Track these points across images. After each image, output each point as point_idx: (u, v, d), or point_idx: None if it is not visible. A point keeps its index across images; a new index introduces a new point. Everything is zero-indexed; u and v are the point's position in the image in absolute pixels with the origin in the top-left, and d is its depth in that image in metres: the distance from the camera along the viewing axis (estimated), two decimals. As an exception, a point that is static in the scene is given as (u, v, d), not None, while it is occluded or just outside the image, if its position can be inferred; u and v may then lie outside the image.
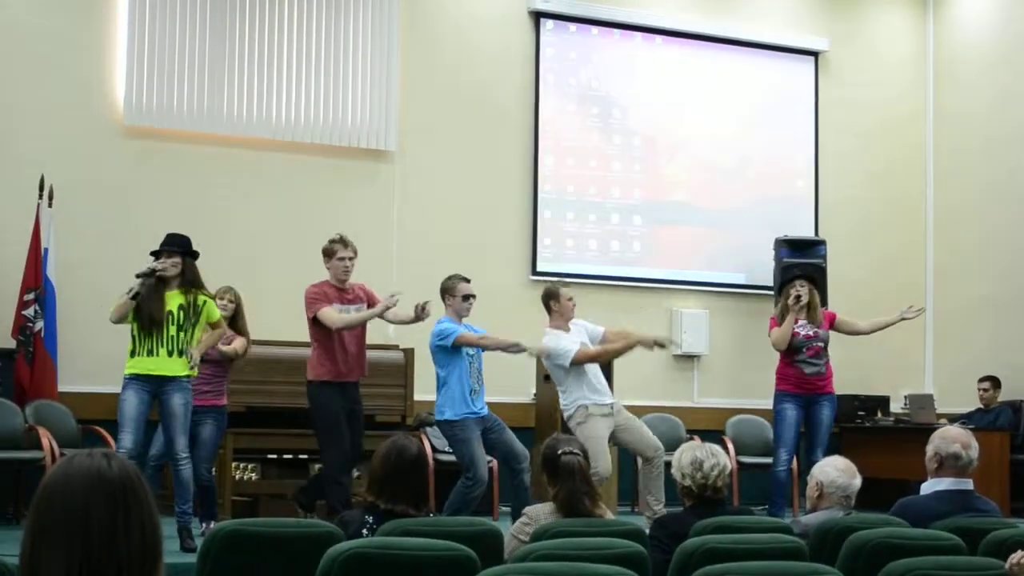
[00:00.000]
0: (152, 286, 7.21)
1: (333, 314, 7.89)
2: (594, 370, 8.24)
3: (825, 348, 9.15)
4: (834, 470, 5.02)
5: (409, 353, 9.68)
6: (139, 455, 7.09)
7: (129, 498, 2.03)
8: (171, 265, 7.26)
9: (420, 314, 8.02)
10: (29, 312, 9.06)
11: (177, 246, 7.34)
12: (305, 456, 9.13)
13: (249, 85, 10.22)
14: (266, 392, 9.19)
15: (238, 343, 8.16)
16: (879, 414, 11.65)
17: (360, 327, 8.08)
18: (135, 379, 7.23)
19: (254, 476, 9.19)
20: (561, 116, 11.43)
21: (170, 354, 7.23)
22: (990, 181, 12.14)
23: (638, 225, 11.66)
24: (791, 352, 9.10)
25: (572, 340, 8.16)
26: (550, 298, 8.31)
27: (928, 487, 5.11)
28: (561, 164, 11.41)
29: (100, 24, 9.89)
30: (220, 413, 8.13)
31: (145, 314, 7.18)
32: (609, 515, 4.96)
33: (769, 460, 9.47)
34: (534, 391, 10.46)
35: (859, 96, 12.55)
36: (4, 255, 9.31)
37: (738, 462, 10.19)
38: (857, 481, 5.04)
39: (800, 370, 9.09)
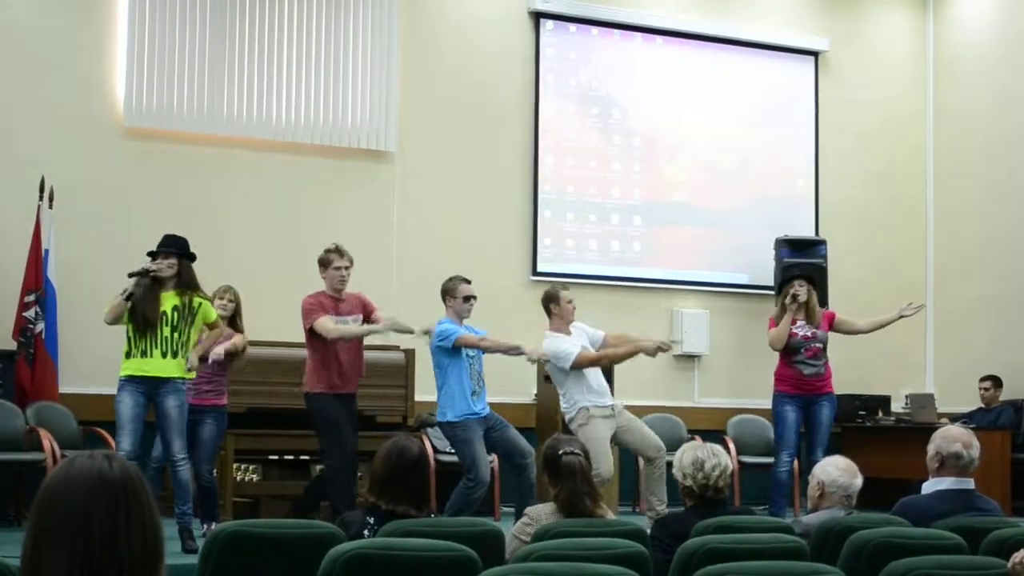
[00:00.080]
0: (147, 287, 7.21)
1: (329, 324, 7.89)
2: (594, 372, 8.23)
3: (824, 349, 9.13)
4: (835, 470, 5.02)
5: (410, 354, 9.68)
6: (139, 456, 7.08)
7: (130, 499, 2.03)
8: (167, 266, 7.25)
9: (418, 334, 8.07)
10: (30, 314, 9.06)
11: (174, 247, 7.34)
12: (306, 457, 9.12)
13: (249, 85, 10.23)
14: (266, 393, 9.19)
15: (238, 339, 8.16)
16: (880, 414, 11.65)
17: (357, 339, 8.09)
18: (130, 381, 7.24)
19: (255, 477, 9.18)
20: (561, 116, 11.43)
21: (164, 355, 7.24)
22: (990, 181, 12.14)
23: (638, 225, 11.66)
24: (789, 353, 9.08)
25: (573, 343, 8.16)
26: (550, 301, 8.31)
27: (929, 486, 5.11)
28: (561, 164, 11.41)
29: (100, 24, 9.89)
30: (220, 412, 8.13)
31: (140, 315, 7.18)
32: (610, 515, 4.96)
33: (770, 460, 9.46)
34: (535, 392, 10.46)
35: (859, 96, 12.55)
36: (4, 256, 9.31)
37: (739, 462, 10.19)
38: (858, 481, 5.04)
39: (799, 371, 9.07)
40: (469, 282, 8.16)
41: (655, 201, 11.73)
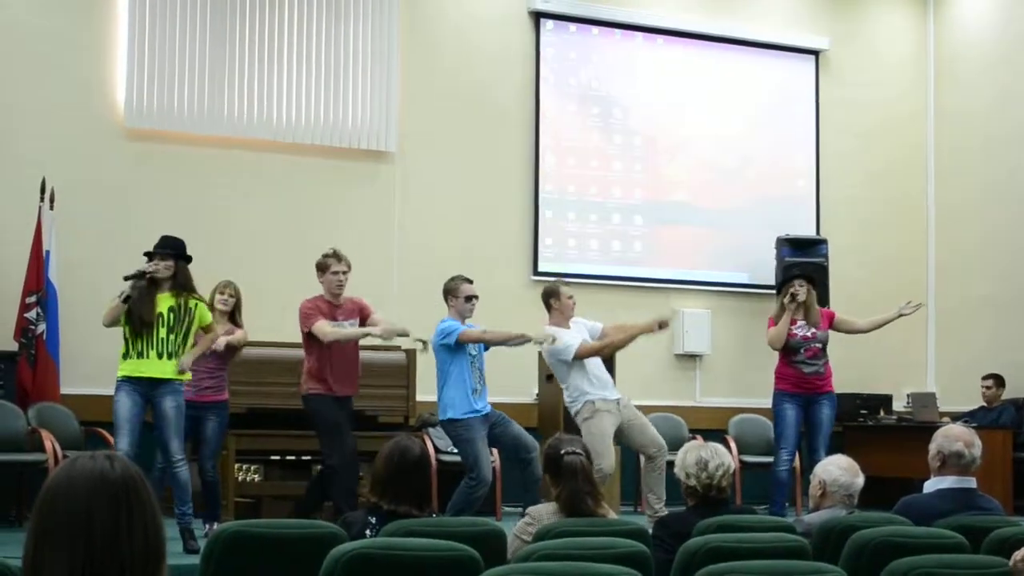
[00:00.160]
0: (144, 288, 7.23)
1: (326, 328, 7.92)
2: (596, 365, 8.23)
3: (823, 349, 9.13)
4: (837, 469, 5.02)
5: (411, 354, 9.68)
6: (136, 456, 7.08)
7: (132, 499, 2.03)
8: (163, 267, 7.27)
9: (414, 343, 8.08)
10: (31, 315, 9.06)
11: (171, 249, 7.35)
12: (308, 457, 9.12)
13: (249, 86, 10.23)
14: (267, 393, 9.19)
15: (240, 333, 8.17)
16: (881, 413, 11.65)
17: (354, 343, 8.10)
18: (127, 381, 7.25)
19: (257, 477, 9.19)
20: (562, 116, 11.43)
21: (160, 356, 7.25)
22: (991, 180, 12.15)
23: (639, 225, 11.66)
24: (789, 352, 9.08)
25: (573, 336, 8.17)
26: (550, 296, 8.32)
27: (931, 485, 5.11)
28: (562, 164, 11.41)
29: (100, 25, 9.90)
30: (222, 408, 8.15)
31: (136, 316, 7.20)
32: (612, 515, 4.96)
33: (771, 459, 9.46)
34: (536, 391, 10.47)
35: (860, 95, 12.55)
36: (5, 257, 9.32)
37: (740, 461, 10.18)
38: (860, 480, 5.04)
39: (799, 370, 9.07)
40: (471, 282, 8.18)
41: (656, 201, 11.73)
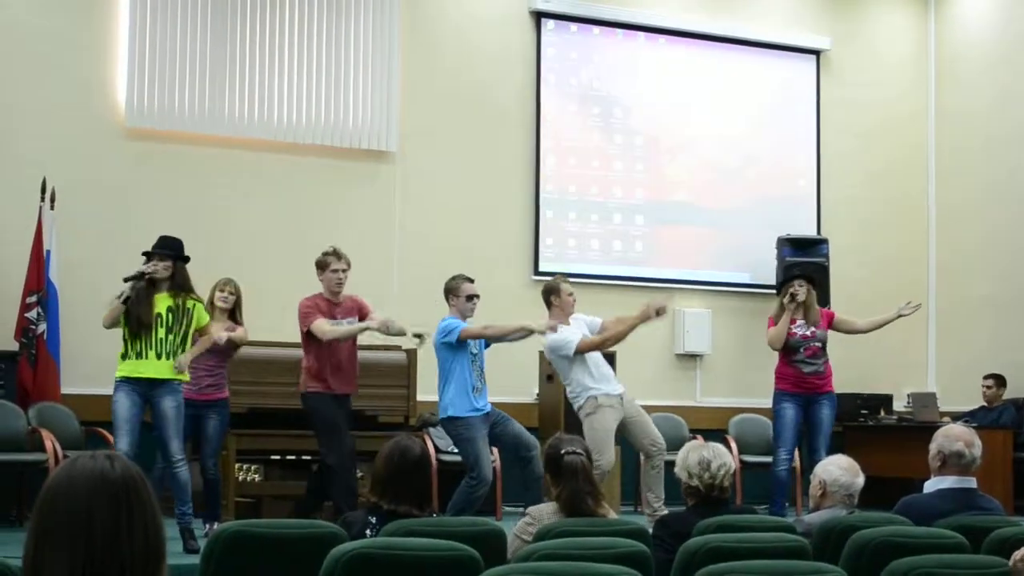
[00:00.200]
0: (142, 289, 7.24)
1: (326, 326, 7.93)
2: (596, 360, 8.23)
3: (823, 348, 9.13)
4: (837, 469, 5.02)
5: (412, 354, 9.68)
6: (136, 456, 7.08)
7: (132, 499, 2.03)
8: (162, 268, 7.28)
9: (413, 337, 8.08)
10: (32, 314, 9.06)
11: (169, 249, 7.36)
12: (308, 457, 9.12)
13: (250, 86, 10.23)
14: (267, 393, 9.19)
15: (241, 331, 8.18)
16: (882, 412, 11.65)
17: (351, 341, 8.11)
18: (125, 381, 7.26)
19: (257, 477, 9.19)
20: (562, 116, 11.43)
21: (159, 357, 7.26)
22: (991, 180, 12.15)
23: (640, 225, 11.67)
24: (789, 352, 9.09)
25: (573, 331, 8.18)
26: (550, 293, 8.33)
27: (931, 485, 5.10)
28: (563, 164, 11.41)
29: (101, 25, 9.90)
30: (223, 406, 8.17)
31: (133, 317, 7.22)
32: (612, 515, 4.96)
33: (771, 459, 9.46)
34: (536, 391, 10.47)
35: (861, 95, 12.55)
36: (6, 257, 9.32)
37: (741, 461, 10.19)
38: (860, 480, 5.04)
39: (798, 369, 9.08)
40: (472, 281, 8.19)
41: (657, 201, 11.73)
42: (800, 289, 9.07)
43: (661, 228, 11.74)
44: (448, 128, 10.92)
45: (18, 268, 9.16)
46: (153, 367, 7.25)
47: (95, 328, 7.49)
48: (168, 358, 7.28)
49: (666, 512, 7.16)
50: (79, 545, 1.98)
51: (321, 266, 8.15)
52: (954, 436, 5.07)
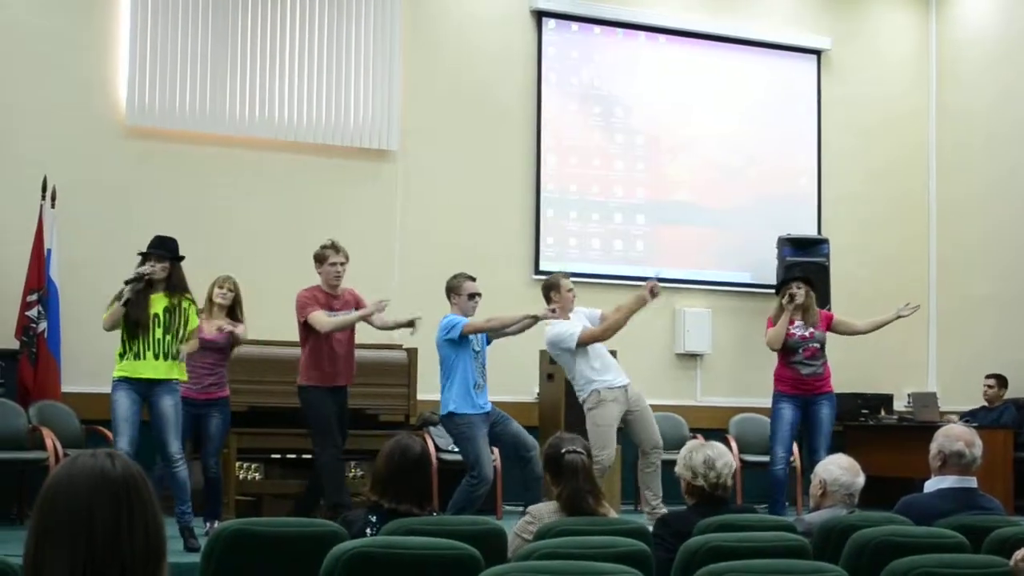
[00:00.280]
0: (140, 290, 7.26)
1: (323, 317, 7.97)
2: (599, 351, 8.23)
3: (822, 349, 9.13)
4: (837, 468, 5.02)
5: (412, 353, 9.68)
6: (136, 455, 7.08)
7: (133, 498, 2.03)
8: (160, 269, 7.30)
9: (407, 325, 8.08)
10: (32, 313, 9.07)
11: (165, 250, 7.38)
12: (309, 456, 9.12)
13: (251, 85, 10.23)
14: (268, 392, 9.18)
15: (242, 328, 8.18)
16: (882, 412, 11.64)
17: (349, 331, 8.13)
18: (124, 381, 7.27)
19: (258, 476, 9.18)
20: (563, 115, 11.43)
21: (157, 357, 7.28)
22: (993, 178, 12.15)
23: (641, 224, 11.67)
24: (787, 353, 9.10)
25: (573, 324, 8.19)
26: (550, 289, 8.34)
27: (932, 485, 5.10)
28: (564, 163, 11.41)
29: (101, 24, 9.90)
30: (225, 404, 8.18)
31: (131, 318, 7.23)
32: (613, 514, 4.96)
33: (768, 459, 9.46)
34: (537, 390, 10.47)
35: (862, 94, 12.55)
36: (7, 256, 9.32)
37: (741, 461, 10.18)
38: (860, 479, 5.04)
39: (797, 371, 9.08)
40: (474, 279, 8.20)
41: (658, 200, 11.73)
42: (799, 291, 9.07)
43: (662, 227, 11.74)
44: (449, 127, 10.92)
45: (19, 267, 9.16)
46: (152, 367, 7.26)
47: (96, 327, 7.49)
48: (166, 358, 7.29)
49: (665, 510, 7.17)
50: (80, 543, 1.98)
51: (319, 259, 8.18)
52: (955, 436, 5.07)
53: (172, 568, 2.17)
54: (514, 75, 11.25)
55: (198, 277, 7.97)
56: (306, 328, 8.04)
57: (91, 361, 9.12)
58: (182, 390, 7.50)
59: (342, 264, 8.14)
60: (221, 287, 8.18)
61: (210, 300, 8.10)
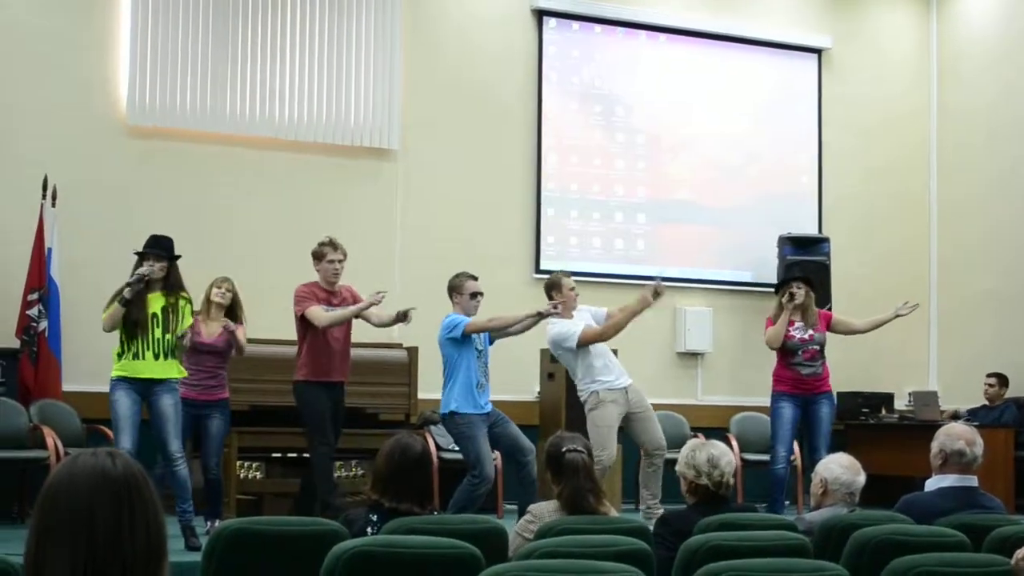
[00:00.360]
0: (139, 290, 7.28)
1: (320, 313, 8.01)
2: (601, 351, 8.22)
3: (821, 351, 9.12)
4: (838, 467, 5.02)
5: (413, 351, 9.68)
6: (137, 454, 7.08)
7: (134, 497, 2.03)
8: (158, 269, 7.31)
9: (402, 319, 8.07)
10: (33, 312, 9.07)
11: (162, 249, 7.40)
12: (309, 455, 9.13)
13: (252, 84, 10.23)
14: (269, 391, 9.18)
15: (242, 331, 8.18)
16: (883, 411, 11.64)
17: (345, 328, 8.15)
18: (123, 381, 7.28)
19: (258, 475, 9.19)
20: (564, 114, 11.43)
21: (156, 356, 7.29)
22: (994, 176, 12.15)
23: (642, 223, 11.66)
24: (787, 354, 9.10)
25: (575, 323, 8.18)
26: (552, 288, 8.34)
27: (932, 484, 5.10)
28: (564, 162, 11.41)
29: (102, 24, 9.90)
30: (225, 406, 8.19)
31: (130, 318, 7.24)
32: (613, 512, 4.96)
33: (769, 457, 9.46)
34: (538, 390, 10.46)
35: (863, 93, 12.55)
36: (8, 255, 9.32)
37: (742, 459, 10.18)
38: (861, 478, 5.03)
39: (797, 372, 9.08)
40: (476, 278, 8.20)
41: (659, 199, 11.73)
42: (799, 291, 9.07)
43: (663, 226, 11.74)
44: (450, 126, 10.92)
45: (20, 266, 9.16)
46: (151, 367, 7.28)
47: (97, 326, 7.49)
48: (165, 357, 7.30)
49: (661, 510, 7.17)
50: (80, 543, 1.98)
51: (317, 256, 8.21)
52: (955, 435, 5.07)
53: (173, 567, 2.17)
54: (515, 74, 11.25)
55: (199, 276, 7.98)
56: (303, 323, 8.07)
57: (92, 360, 9.11)
58: (182, 391, 7.51)
59: (340, 261, 8.17)
60: (219, 287, 8.18)
61: (208, 300, 8.10)
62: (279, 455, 9.24)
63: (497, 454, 8.54)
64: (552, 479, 4.93)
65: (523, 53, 11.30)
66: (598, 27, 11.63)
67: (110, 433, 7.75)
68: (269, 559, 4.02)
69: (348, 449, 8.90)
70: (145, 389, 7.29)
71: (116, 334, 7.35)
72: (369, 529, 4.33)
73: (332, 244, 8.19)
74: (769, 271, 11.63)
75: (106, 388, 7.41)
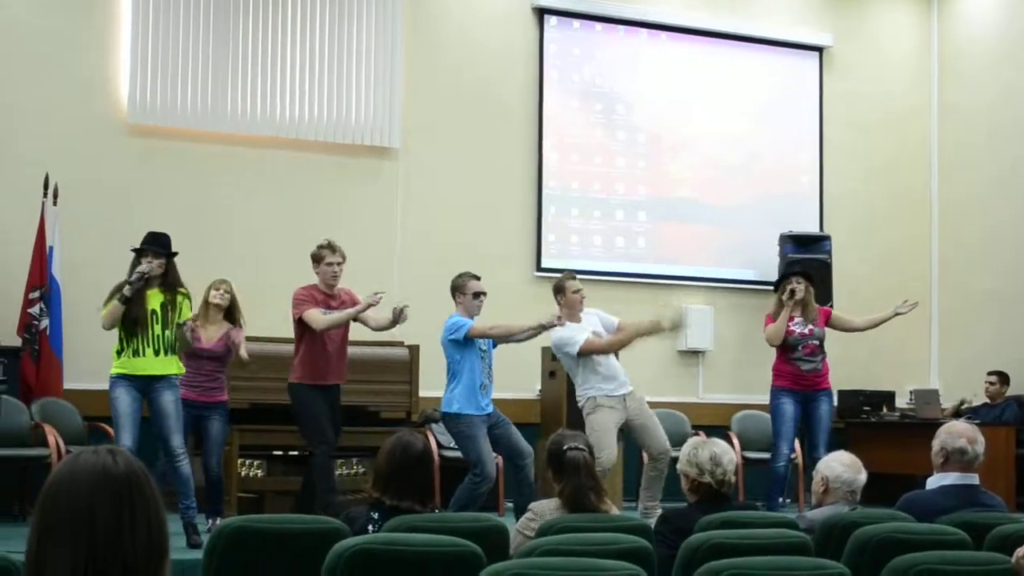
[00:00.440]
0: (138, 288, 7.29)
1: (318, 316, 7.99)
2: (603, 359, 8.21)
3: (821, 346, 9.13)
4: (839, 465, 5.02)
5: (414, 350, 9.68)
6: (138, 452, 7.08)
7: (135, 495, 2.03)
8: (156, 266, 7.32)
9: (398, 318, 8.06)
10: (34, 310, 9.08)
11: (160, 246, 7.41)
12: (310, 453, 9.13)
13: (253, 83, 10.23)
14: (270, 389, 9.16)
15: (241, 336, 8.19)
16: (884, 409, 11.64)
17: (343, 331, 8.14)
18: (123, 378, 7.29)
19: (260, 473, 9.20)
20: (565, 112, 11.43)
21: (156, 353, 7.31)
22: (994, 175, 12.15)
23: (643, 221, 11.66)
24: (787, 350, 9.10)
25: (580, 330, 8.16)
26: (557, 292, 8.34)
27: (934, 482, 5.10)
28: (565, 160, 11.41)
29: (103, 23, 9.90)
30: (224, 409, 8.19)
31: (129, 315, 7.24)
32: (614, 510, 4.96)
33: (770, 455, 9.46)
34: (539, 388, 10.47)
35: (863, 91, 12.54)
36: (9, 254, 9.33)
37: (743, 458, 10.18)
38: (862, 476, 5.03)
39: (797, 367, 9.08)
40: (479, 278, 8.18)
41: (660, 197, 11.73)
42: (799, 287, 9.07)
43: (664, 225, 11.74)
44: (451, 124, 10.92)
45: (21, 265, 9.17)
46: (151, 363, 7.29)
47: (98, 324, 7.50)
48: (165, 354, 7.32)
49: (659, 511, 7.17)
50: (81, 541, 1.98)
51: (316, 259, 8.19)
52: (957, 433, 5.07)
53: (174, 565, 2.18)
54: (515, 72, 11.24)
55: (200, 274, 7.98)
56: (301, 325, 8.06)
57: (93, 358, 9.10)
58: (181, 392, 7.51)
59: (339, 264, 8.14)
60: (217, 288, 8.18)
61: (206, 303, 8.09)
62: (280, 453, 9.24)
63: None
64: (553, 477, 4.93)
65: (524, 51, 11.30)
66: (599, 25, 11.62)
67: (111, 431, 7.76)
68: (270, 557, 4.03)
69: (349, 447, 8.90)
70: (145, 386, 7.30)
71: (115, 332, 7.35)
72: (370, 527, 4.33)
73: (331, 247, 8.17)
74: (770, 269, 11.62)
75: (107, 386, 7.42)
